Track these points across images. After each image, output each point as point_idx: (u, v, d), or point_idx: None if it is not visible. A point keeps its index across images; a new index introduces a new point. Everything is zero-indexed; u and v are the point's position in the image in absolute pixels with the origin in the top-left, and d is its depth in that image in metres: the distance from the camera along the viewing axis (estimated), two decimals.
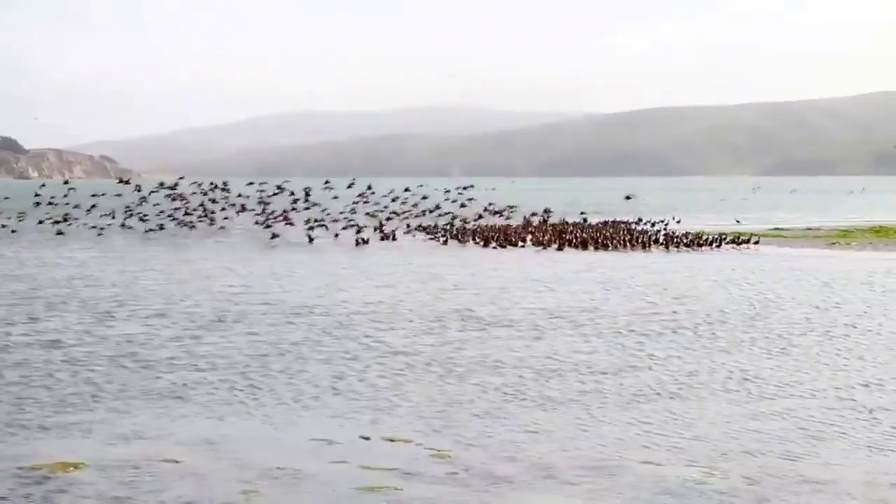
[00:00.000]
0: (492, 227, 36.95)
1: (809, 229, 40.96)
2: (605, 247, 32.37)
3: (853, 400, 10.82)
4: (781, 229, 40.91)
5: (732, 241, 32.83)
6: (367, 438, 9.25)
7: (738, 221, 45.31)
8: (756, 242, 32.91)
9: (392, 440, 9.19)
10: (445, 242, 34.09)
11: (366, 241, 33.22)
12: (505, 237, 34.12)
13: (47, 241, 34.87)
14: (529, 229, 36.48)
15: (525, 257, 29.07)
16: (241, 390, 11.19)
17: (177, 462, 8.48)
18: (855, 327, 15.62)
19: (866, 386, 11.47)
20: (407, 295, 19.44)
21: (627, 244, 32.57)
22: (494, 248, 32.55)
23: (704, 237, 33.03)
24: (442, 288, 20.60)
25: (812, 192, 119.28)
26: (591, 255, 29.57)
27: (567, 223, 38.38)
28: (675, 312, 17.09)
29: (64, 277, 22.72)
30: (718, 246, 32.14)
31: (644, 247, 32.35)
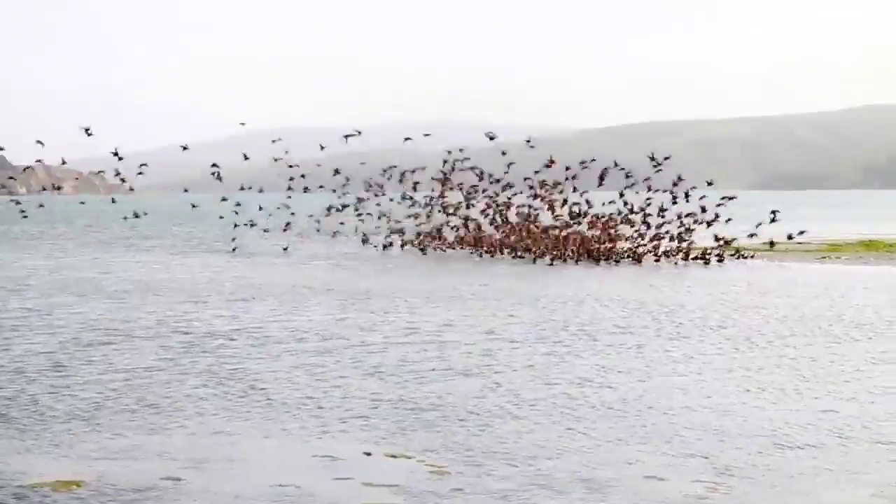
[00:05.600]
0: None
1: (799, 243, 41.03)
2: (597, 260, 32.49)
3: (836, 412, 10.87)
4: (773, 244, 40.94)
5: (727, 256, 32.83)
6: (368, 454, 9.26)
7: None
8: (751, 257, 33.02)
9: (394, 456, 9.20)
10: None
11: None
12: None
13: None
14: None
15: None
16: (242, 407, 11.17)
17: (178, 480, 8.46)
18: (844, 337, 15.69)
19: (849, 399, 11.51)
20: (393, 311, 19.46)
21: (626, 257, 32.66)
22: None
23: (705, 252, 32.82)
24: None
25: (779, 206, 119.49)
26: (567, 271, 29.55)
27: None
28: (677, 322, 17.15)
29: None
30: (721, 260, 32.01)
31: (636, 260, 32.45)
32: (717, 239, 32.60)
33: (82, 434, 10.00)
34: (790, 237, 32.80)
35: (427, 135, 38.51)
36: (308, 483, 8.39)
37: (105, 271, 29.00)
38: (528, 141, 36.83)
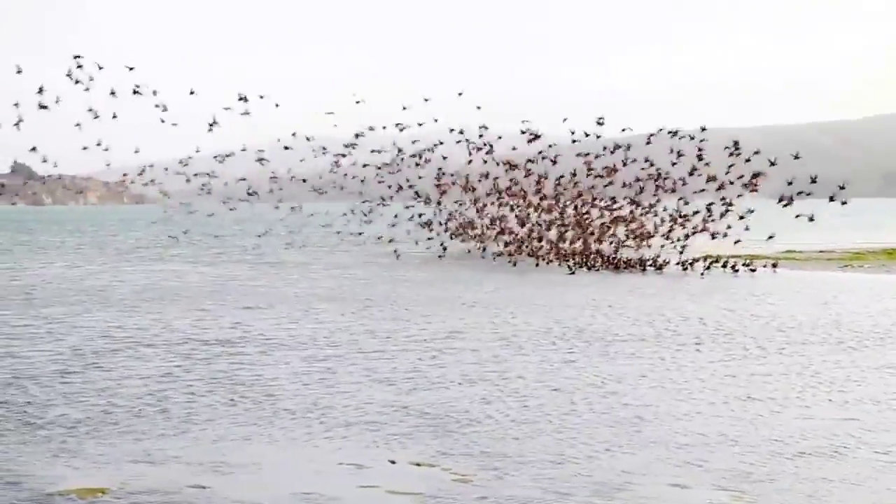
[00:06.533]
0: None
1: (822, 252, 40.89)
2: (617, 267, 32.53)
3: (856, 420, 10.81)
4: (794, 252, 40.80)
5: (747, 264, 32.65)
6: (393, 462, 9.27)
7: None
8: (774, 265, 32.81)
9: (418, 464, 9.20)
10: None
11: None
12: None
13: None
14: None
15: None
16: (263, 413, 11.19)
17: (203, 487, 8.48)
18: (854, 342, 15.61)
19: (867, 402, 11.45)
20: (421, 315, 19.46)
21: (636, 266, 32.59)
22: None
23: (727, 261, 32.58)
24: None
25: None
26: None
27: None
28: (688, 330, 17.11)
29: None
30: (753, 270, 31.65)
31: (658, 269, 32.33)
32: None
33: (106, 441, 10.03)
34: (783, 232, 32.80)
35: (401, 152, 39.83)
36: (334, 490, 8.40)
37: (121, 279, 29.11)
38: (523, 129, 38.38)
